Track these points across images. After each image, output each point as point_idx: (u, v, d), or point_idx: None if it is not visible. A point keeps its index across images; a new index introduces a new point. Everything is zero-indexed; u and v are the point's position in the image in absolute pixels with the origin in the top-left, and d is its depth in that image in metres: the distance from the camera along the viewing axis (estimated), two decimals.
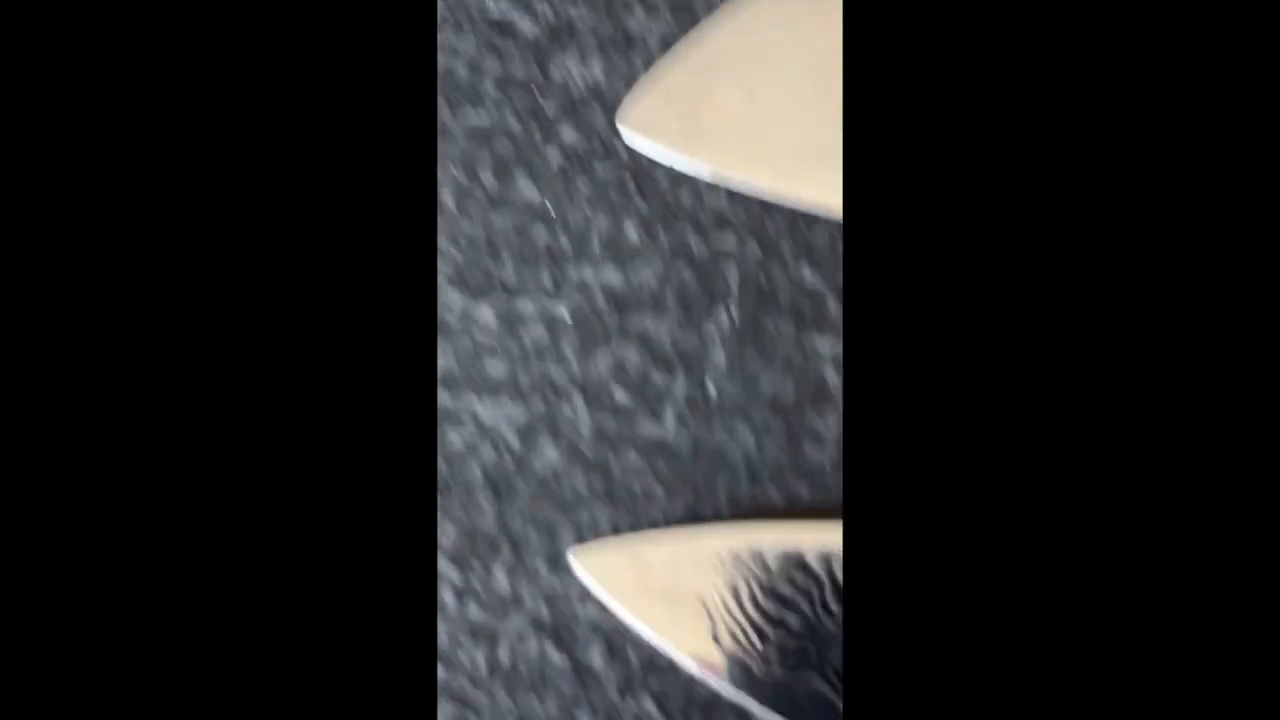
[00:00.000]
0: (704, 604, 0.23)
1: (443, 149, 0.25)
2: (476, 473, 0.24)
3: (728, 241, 0.24)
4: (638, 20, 0.25)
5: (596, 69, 0.25)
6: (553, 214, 0.25)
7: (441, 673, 0.24)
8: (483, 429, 0.25)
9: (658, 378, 0.24)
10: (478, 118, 0.25)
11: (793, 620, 0.23)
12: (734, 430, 0.24)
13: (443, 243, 0.25)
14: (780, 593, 0.23)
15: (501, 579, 0.24)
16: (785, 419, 0.24)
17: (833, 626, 0.23)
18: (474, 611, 0.24)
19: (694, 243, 0.24)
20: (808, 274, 0.24)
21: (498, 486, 0.24)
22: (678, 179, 0.24)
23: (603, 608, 0.24)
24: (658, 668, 0.24)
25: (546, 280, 0.25)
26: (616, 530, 0.24)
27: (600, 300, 0.24)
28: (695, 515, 0.24)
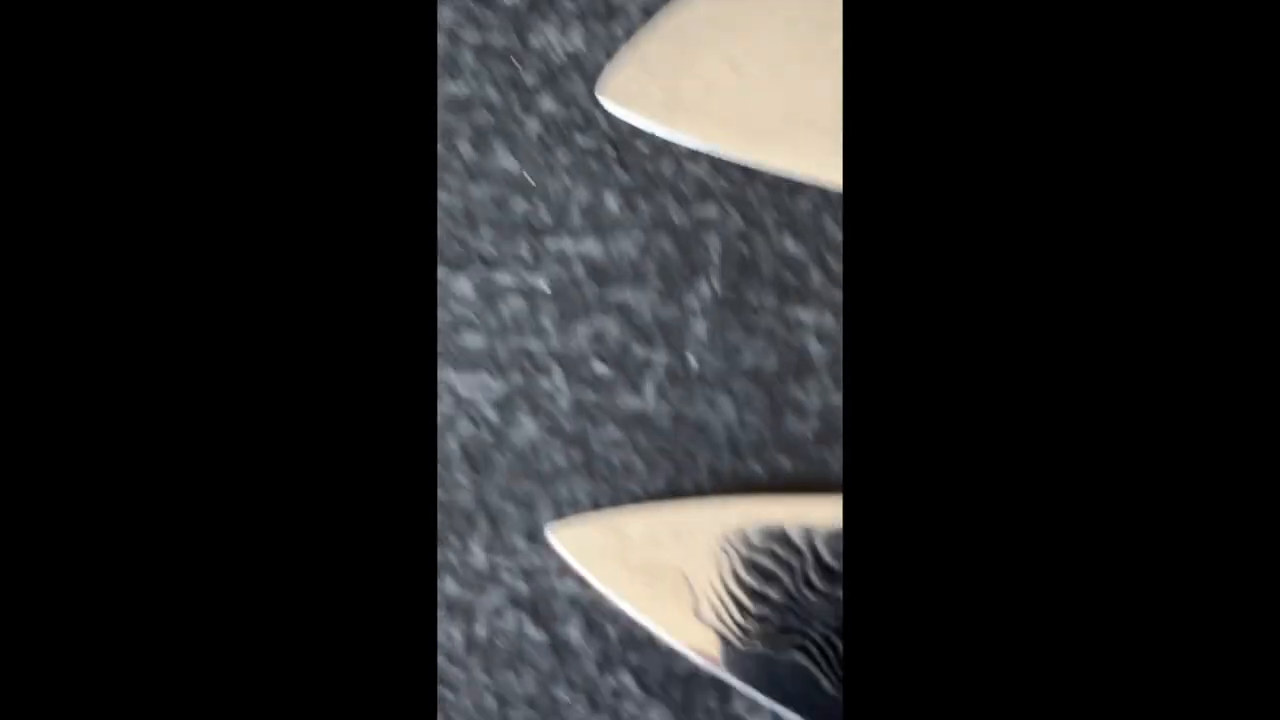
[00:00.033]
0: (684, 579, 0.23)
1: None
2: (454, 446, 0.24)
3: (709, 211, 0.24)
4: None
5: (577, 38, 0.24)
6: (532, 184, 0.24)
7: None
8: (460, 402, 0.24)
9: (638, 350, 0.24)
10: (456, 88, 0.24)
11: (774, 594, 0.23)
12: (715, 403, 0.24)
13: None
14: (762, 567, 0.23)
15: (479, 554, 0.24)
16: (767, 391, 0.24)
17: (814, 600, 0.23)
18: (451, 587, 0.24)
19: (675, 213, 0.24)
20: (790, 244, 0.24)
21: (475, 460, 0.24)
22: (659, 148, 0.24)
23: (582, 583, 0.24)
24: (637, 643, 0.24)
25: (525, 252, 0.24)
26: (596, 504, 0.24)
27: (580, 271, 0.24)
28: (676, 489, 0.24)
